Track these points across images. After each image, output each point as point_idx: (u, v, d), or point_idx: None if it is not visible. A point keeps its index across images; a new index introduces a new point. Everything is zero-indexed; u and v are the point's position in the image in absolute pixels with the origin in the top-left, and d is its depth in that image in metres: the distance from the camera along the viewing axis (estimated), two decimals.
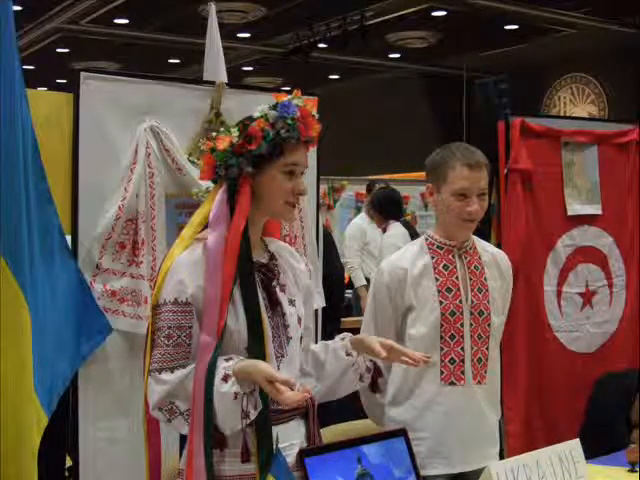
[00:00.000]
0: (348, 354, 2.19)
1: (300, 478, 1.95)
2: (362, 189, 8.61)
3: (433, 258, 2.58)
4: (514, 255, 3.28)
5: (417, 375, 2.53)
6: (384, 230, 6.47)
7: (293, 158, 2.02)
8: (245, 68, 13.53)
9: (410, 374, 2.53)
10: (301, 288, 2.18)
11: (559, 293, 3.77)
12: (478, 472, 2.22)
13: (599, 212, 3.88)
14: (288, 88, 2.42)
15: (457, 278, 2.56)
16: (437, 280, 2.55)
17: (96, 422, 2.80)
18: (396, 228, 6.32)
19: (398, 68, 13.85)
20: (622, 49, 10.67)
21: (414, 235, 6.07)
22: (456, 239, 2.59)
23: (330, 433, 2.57)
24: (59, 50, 12.15)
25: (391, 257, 2.66)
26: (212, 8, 3.09)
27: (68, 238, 2.68)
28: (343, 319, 5.83)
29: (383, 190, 6.90)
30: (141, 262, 2.78)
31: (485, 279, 2.60)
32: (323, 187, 7.79)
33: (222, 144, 2.01)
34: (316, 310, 3.16)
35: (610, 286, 3.91)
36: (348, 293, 7.04)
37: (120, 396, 2.81)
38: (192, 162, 2.90)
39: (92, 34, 11.10)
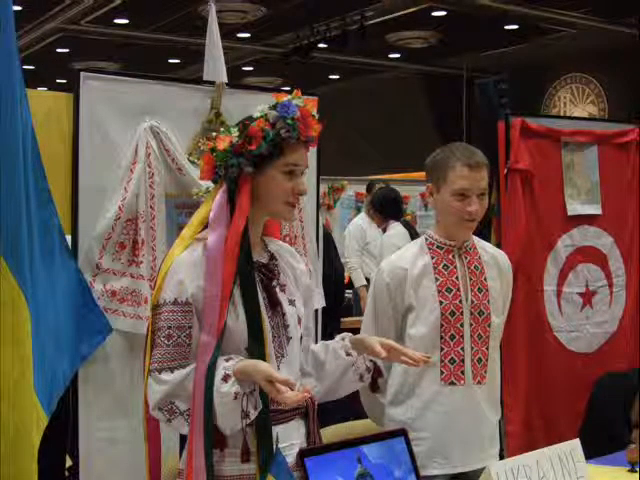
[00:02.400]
0: (348, 354, 2.19)
1: (300, 478, 1.95)
2: (362, 189, 8.61)
3: (433, 258, 2.58)
4: (514, 255, 3.29)
5: (417, 375, 2.53)
6: (384, 230, 6.47)
7: (293, 158, 2.02)
8: (245, 68, 13.53)
9: (410, 374, 2.53)
10: (301, 288, 2.18)
11: (559, 293, 3.77)
12: (478, 472, 2.22)
13: (599, 212, 3.88)
14: (288, 88, 2.41)
15: (457, 278, 2.56)
16: (437, 280, 2.55)
17: (96, 422, 2.80)
18: (396, 228, 6.32)
19: (398, 68, 13.84)
20: (622, 49, 10.66)
21: (414, 235, 6.07)
22: (456, 239, 2.59)
23: (330, 433, 2.57)
24: (59, 50, 12.14)
25: (391, 257, 2.66)
26: (212, 8, 3.09)
27: (68, 238, 2.68)
28: (343, 319, 5.84)
29: (383, 190, 6.90)
30: (141, 262, 2.78)
31: (485, 279, 2.60)
32: (323, 187, 7.78)
33: (222, 144, 2.01)
34: (316, 310, 3.17)
35: (610, 286, 3.91)
36: (348, 293, 7.04)
37: (120, 396, 2.81)
38: (192, 162, 2.90)
39: (92, 34, 11.10)
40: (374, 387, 2.32)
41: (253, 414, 1.90)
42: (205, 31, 3.08)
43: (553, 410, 3.71)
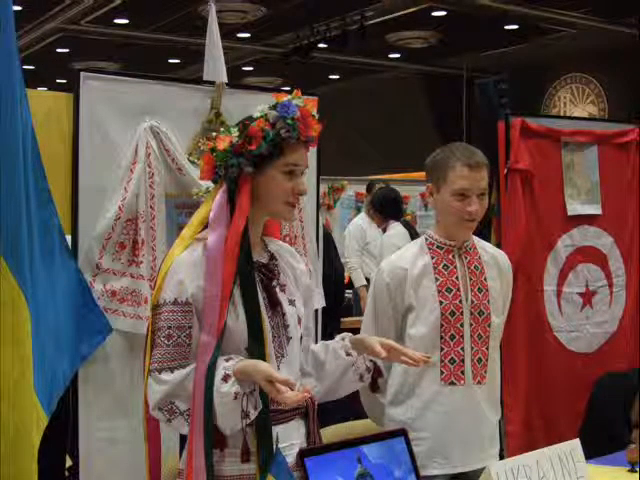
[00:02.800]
0: (348, 354, 2.19)
1: (300, 478, 1.94)
2: (362, 189, 8.61)
3: (433, 258, 2.58)
4: (514, 255, 3.29)
5: (417, 375, 2.53)
6: (384, 230, 6.48)
7: (293, 158, 2.02)
8: (245, 68, 13.53)
9: (410, 374, 2.53)
10: (301, 288, 2.18)
11: (559, 293, 3.77)
12: (478, 472, 2.22)
13: (599, 212, 3.88)
14: (288, 88, 2.41)
15: (457, 278, 2.56)
16: (437, 280, 2.55)
17: (96, 422, 2.80)
18: (396, 228, 6.32)
19: (398, 68, 13.85)
20: (622, 49, 10.66)
21: (414, 235, 6.07)
22: (456, 239, 2.59)
23: (330, 433, 2.57)
24: (59, 50, 12.14)
25: (391, 257, 2.66)
26: (212, 8, 3.09)
27: (68, 238, 2.68)
28: (343, 319, 5.84)
29: (383, 190, 6.90)
30: (141, 262, 2.78)
31: (485, 279, 2.60)
32: (323, 187, 7.78)
33: (222, 144, 2.01)
34: (316, 310, 3.17)
35: (610, 286, 3.91)
36: (348, 293, 7.04)
37: (120, 396, 2.81)
38: (192, 162, 2.90)
39: (92, 34, 11.10)
40: (374, 387, 2.32)
41: (253, 414, 1.90)
42: (205, 31, 3.08)
43: (553, 410, 3.71)
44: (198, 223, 2.06)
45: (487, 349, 2.57)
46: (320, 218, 3.44)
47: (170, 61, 13.09)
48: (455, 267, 2.57)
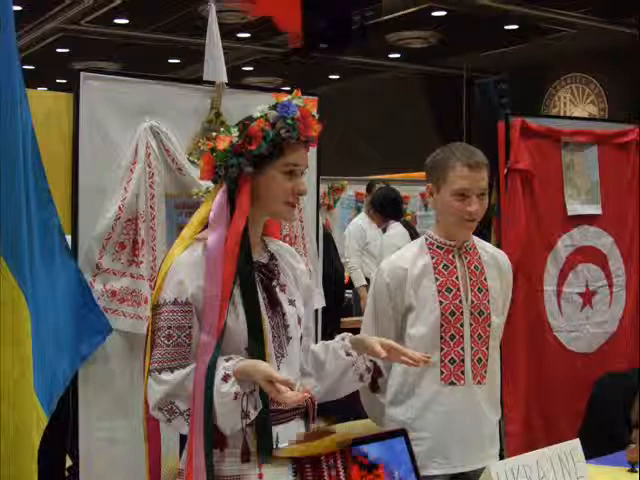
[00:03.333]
0: (348, 354, 2.19)
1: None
2: (362, 189, 8.61)
3: (433, 258, 2.58)
4: (514, 255, 3.29)
5: (417, 375, 2.53)
6: (384, 230, 6.48)
7: (293, 158, 2.02)
8: (245, 68, 13.53)
9: (410, 374, 2.53)
10: (301, 288, 2.18)
11: (559, 293, 3.77)
12: (478, 472, 2.22)
13: (599, 212, 3.88)
14: (288, 88, 2.41)
15: (457, 278, 2.56)
16: (437, 280, 2.55)
17: (96, 422, 2.80)
18: (396, 228, 6.33)
19: (398, 68, 13.84)
20: (622, 49, 10.66)
21: (414, 235, 6.07)
22: (456, 239, 2.59)
23: None
24: (59, 50, 12.14)
25: (391, 257, 2.66)
26: (212, 8, 3.09)
27: (68, 238, 2.68)
28: (343, 319, 5.84)
29: (383, 190, 6.91)
30: (141, 262, 2.78)
31: (485, 279, 2.60)
32: (323, 187, 7.78)
33: (222, 144, 2.01)
34: (316, 310, 3.16)
35: (610, 286, 3.91)
36: (348, 293, 7.05)
37: (120, 396, 2.81)
38: (192, 162, 2.90)
39: (92, 34, 11.10)
40: (374, 387, 2.32)
41: (253, 414, 1.91)
42: (205, 31, 3.08)
43: (553, 410, 3.71)
44: (198, 223, 2.06)
45: (487, 349, 2.57)
46: (320, 218, 3.44)
47: (170, 61, 13.08)
48: (455, 267, 2.57)
